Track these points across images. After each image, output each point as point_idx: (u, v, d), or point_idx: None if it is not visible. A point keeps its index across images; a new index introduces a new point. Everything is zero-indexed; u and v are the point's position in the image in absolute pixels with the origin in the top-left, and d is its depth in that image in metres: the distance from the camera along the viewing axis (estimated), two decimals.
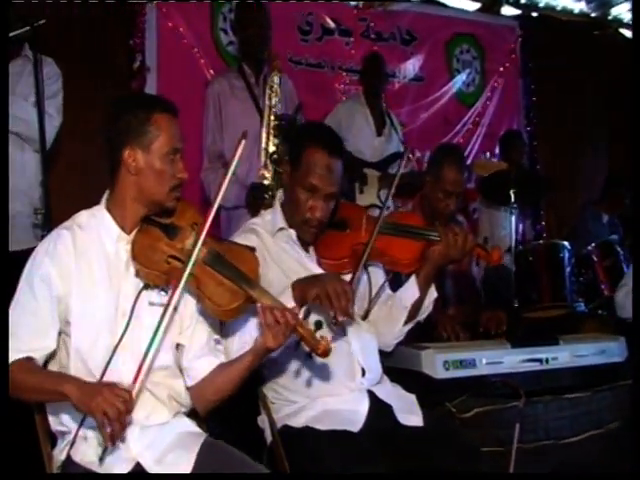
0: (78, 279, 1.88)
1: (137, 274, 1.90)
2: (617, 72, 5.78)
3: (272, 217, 2.34)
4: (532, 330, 3.40)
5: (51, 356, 1.90)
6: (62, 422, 1.88)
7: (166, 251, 1.92)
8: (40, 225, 2.79)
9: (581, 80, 6.19)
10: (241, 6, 3.90)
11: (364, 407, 2.17)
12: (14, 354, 1.82)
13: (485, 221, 4.96)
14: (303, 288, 2.07)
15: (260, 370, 2.15)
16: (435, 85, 5.78)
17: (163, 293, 1.92)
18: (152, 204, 1.95)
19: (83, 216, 1.97)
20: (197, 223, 1.97)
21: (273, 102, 3.51)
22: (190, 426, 1.98)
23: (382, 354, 2.39)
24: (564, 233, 5.13)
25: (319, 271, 2.29)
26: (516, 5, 6.06)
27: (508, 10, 6.09)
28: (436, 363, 2.45)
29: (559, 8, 6.13)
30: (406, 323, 2.40)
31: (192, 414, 2.03)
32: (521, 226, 4.85)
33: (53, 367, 1.90)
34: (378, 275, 2.45)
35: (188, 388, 1.98)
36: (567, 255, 3.79)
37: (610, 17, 6.31)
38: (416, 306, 2.39)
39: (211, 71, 4.75)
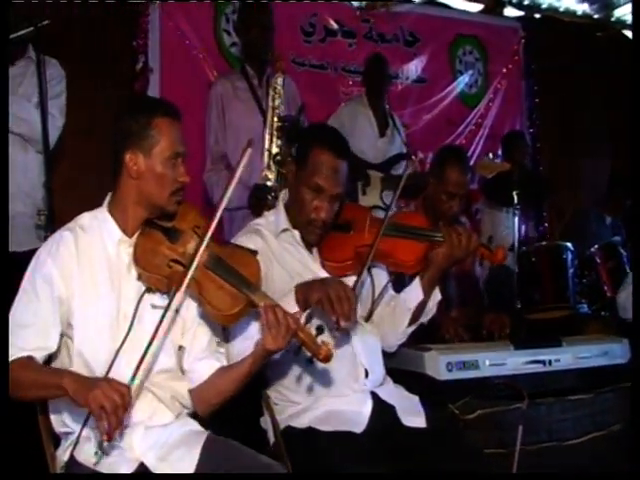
0: (80, 281, 1.88)
1: (139, 278, 1.90)
2: (620, 73, 5.77)
3: (275, 218, 2.34)
4: (535, 332, 3.40)
5: (53, 359, 1.90)
6: (65, 423, 1.89)
7: (168, 255, 1.92)
8: (43, 226, 2.80)
9: (584, 81, 6.18)
10: (244, 7, 3.90)
11: (367, 408, 2.17)
12: (15, 353, 1.81)
13: (487, 222, 4.96)
14: (306, 292, 2.07)
15: (264, 372, 2.15)
16: (438, 86, 5.77)
17: (166, 296, 1.91)
18: (153, 208, 1.95)
19: (85, 218, 1.98)
20: (199, 226, 1.97)
21: (276, 103, 3.51)
22: (193, 425, 1.98)
23: (385, 355, 2.38)
24: (564, 232, 5.13)
25: (322, 272, 2.29)
26: (519, 7, 6.05)
27: (511, 11, 6.09)
28: (439, 364, 2.46)
29: (562, 9, 6.12)
30: (409, 325, 2.39)
31: (195, 415, 2.03)
32: (524, 227, 4.83)
33: None
34: (381, 276, 2.45)
35: (189, 390, 1.99)
36: (570, 256, 3.79)
37: (613, 18, 6.30)
38: (420, 308, 2.39)
39: (214, 72, 4.74)
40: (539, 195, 4.44)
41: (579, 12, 6.18)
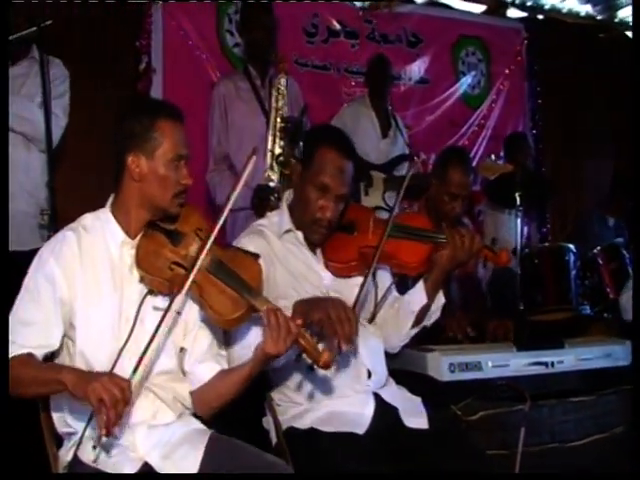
0: (83, 282, 1.88)
1: (141, 280, 1.90)
2: (623, 75, 5.77)
3: (279, 219, 2.33)
4: (538, 333, 3.39)
5: (53, 359, 1.90)
6: (68, 423, 1.88)
7: (170, 257, 1.92)
8: (46, 226, 2.80)
9: (587, 82, 6.18)
10: (247, 8, 3.90)
11: (370, 409, 2.16)
12: (15, 350, 1.81)
13: (490, 223, 4.94)
14: (305, 311, 2.04)
15: (266, 373, 2.14)
16: (441, 87, 5.77)
17: (168, 298, 1.90)
18: (156, 210, 1.95)
19: (88, 219, 1.97)
20: (201, 229, 1.97)
21: (279, 104, 3.52)
22: (196, 424, 1.98)
23: (388, 356, 2.38)
24: (567, 234, 5.12)
25: (326, 273, 2.30)
26: (522, 7, 6.04)
27: (514, 12, 6.07)
28: (442, 366, 2.46)
29: (565, 10, 6.11)
30: (413, 327, 2.39)
31: (197, 415, 2.03)
32: (526, 229, 4.84)
33: None
34: (384, 278, 2.44)
35: (190, 392, 1.99)
36: (573, 258, 3.77)
37: (616, 20, 6.28)
38: (423, 311, 2.39)
39: (217, 73, 4.74)
40: (542, 196, 4.41)
41: (582, 13, 6.16)
